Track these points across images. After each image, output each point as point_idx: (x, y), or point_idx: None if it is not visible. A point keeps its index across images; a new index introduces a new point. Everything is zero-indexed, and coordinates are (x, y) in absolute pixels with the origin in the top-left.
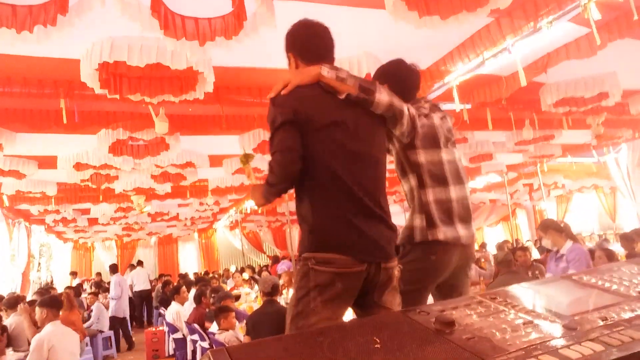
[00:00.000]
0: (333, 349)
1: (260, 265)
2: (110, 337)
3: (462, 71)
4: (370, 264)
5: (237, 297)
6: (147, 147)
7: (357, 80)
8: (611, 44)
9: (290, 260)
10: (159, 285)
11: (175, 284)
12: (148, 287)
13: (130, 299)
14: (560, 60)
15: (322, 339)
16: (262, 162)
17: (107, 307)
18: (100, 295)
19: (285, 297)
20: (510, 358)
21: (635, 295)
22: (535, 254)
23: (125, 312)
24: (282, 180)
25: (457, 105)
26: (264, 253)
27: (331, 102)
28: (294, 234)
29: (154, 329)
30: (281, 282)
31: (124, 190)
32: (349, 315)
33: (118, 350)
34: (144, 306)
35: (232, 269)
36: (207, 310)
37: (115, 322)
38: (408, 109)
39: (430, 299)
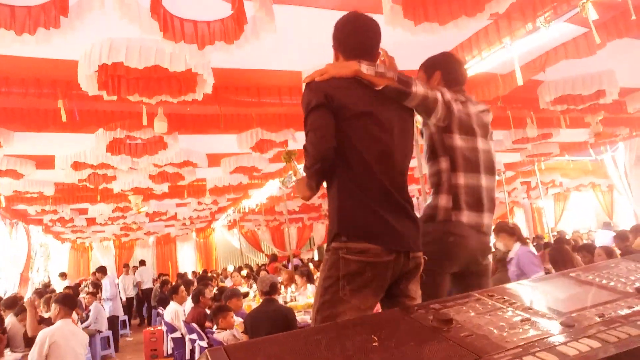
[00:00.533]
0: (330, 348)
1: (258, 264)
2: (108, 337)
3: None
4: (399, 253)
5: (246, 295)
6: (145, 146)
7: (396, 73)
8: (609, 43)
9: (289, 260)
10: (157, 284)
11: (173, 283)
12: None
13: (135, 297)
14: (559, 59)
15: (320, 338)
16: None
17: None
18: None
19: (284, 295)
20: (507, 355)
21: (632, 291)
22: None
23: (120, 312)
24: (317, 159)
25: None
26: (262, 252)
27: (365, 94)
28: (293, 232)
29: (152, 329)
30: (280, 279)
31: (121, 190)
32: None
33: (117, 350)
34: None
35: (230, 268)
36: (206, 309)
37: (115, 322)
38: (442, 95)
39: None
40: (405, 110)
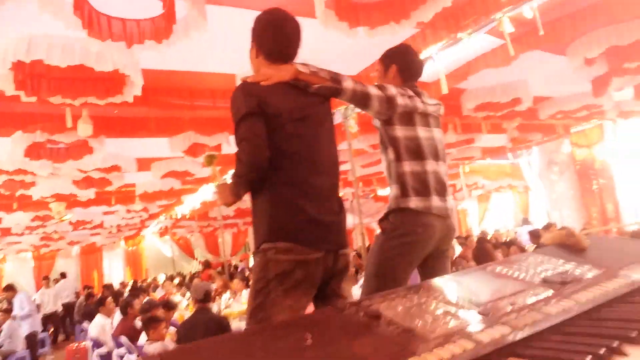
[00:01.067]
0: (265, 349)
1: (191, 273)
2: (24, 357)
3: None
4: (327, 251)
5: (175, 305)
6: (68, 150)
7: (326, 71)
8: (523, 55)
9: (223, 266)
10: (82, 297)
11: (99, 295)
12: (74, 299)
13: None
14: (480, 68)
15: (255, 339)
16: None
17: None
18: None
19: (219, 303)
20: (430, 345)
21: (538, 282)
22: (458, 249)
23: (38, 329)
24: (251, 169)
25: None
26: (195, 259)
27: (299, 97)
28: (227, 238)
29: (75, 345)
30: (214, 286)
31: (42, 197)
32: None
33: None
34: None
35: (161, 277)
36: (135, 321)
37: (33, 340)
38: (384, 90)
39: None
40: (330, 110)
